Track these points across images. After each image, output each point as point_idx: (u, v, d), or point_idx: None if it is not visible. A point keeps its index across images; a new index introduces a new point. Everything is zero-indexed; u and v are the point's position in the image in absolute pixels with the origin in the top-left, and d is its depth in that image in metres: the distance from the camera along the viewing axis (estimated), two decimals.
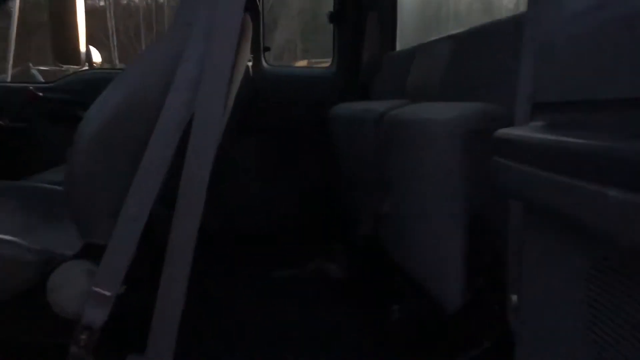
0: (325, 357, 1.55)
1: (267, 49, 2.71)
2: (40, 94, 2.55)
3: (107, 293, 1.10)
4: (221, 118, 1.12)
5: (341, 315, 1.79)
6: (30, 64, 6.00)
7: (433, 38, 1.99)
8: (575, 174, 0.63)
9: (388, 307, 1.46)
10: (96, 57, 2.79)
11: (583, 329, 0.68)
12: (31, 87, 2.58)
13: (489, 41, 1.50)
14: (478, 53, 1.54)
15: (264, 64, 2.72)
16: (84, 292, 1.10)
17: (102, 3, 12.74)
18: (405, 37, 2.70)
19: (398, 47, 2.67)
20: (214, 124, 1.09)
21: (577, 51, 0.73)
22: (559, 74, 0.80)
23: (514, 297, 1.06)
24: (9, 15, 5.80)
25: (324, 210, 2.48)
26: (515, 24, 1.34)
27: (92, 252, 1.12)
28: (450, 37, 1.75)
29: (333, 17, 2.69)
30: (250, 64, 2.42)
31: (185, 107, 1.08)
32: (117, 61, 11.59)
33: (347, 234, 2.10)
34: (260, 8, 2.59)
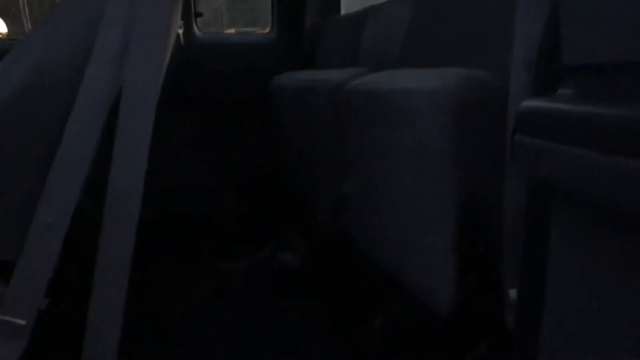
0: None
1: (199, 14, 2.45)
2: None
3: (21, 322, 0.88)
4: (156, 93, 0.90)
5: (305, 315, 1.61)
6: None
7: None
8: (626, 152, 0.48)
9: (365, 309, 1.29)
10: (2, 27, 2.45)
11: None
12: None
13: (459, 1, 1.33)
14: (446, 14, 1.38)
15: (196, 31, 2.46)
16: None
17: None
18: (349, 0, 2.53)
19: (343, 11, 2.48)
20: (147, 101, 0.88)
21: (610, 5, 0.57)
22: (590, 32, 0.64)
23: (512, 292, 0.93)
24: None
25: (273, 194, 2.28)
26: None
27: None
28: None
29: None
30: (181, 31, 2.16)
31: (110, 81, 0.86)
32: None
33: (302, 220, 1.91)
34: None
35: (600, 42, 0.62)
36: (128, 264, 0.92)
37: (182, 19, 2.23)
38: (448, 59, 1.27)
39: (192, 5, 2.42)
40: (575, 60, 0.66)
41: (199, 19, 2.48)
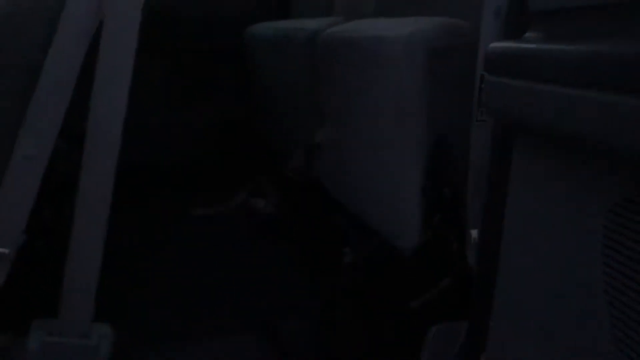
0: (267, 304, 1.43)
1: None
2: None
3: (4, 250, 0.90)
4: (136, 28, 0.91)
5: (279, 256, 1.66)
6: None
7: None
8: (599, 87, 0.52)
9: (335, 249, 1.34)
10: None
11: (592, 285, 0.59)
12: None
13: None
14: None
15: None
16: None
17: None
18: None
19: None
20: (130, 32, 0.88)
21: None
22: None
23: (474, 233, 0.99)
24: None
25: (246, 141, 2.29)
26: None
27: None
28: None
29: None
30: None
31: (90, 12, 0.86)
32: None
33: (275, 167, 1.94)
34: None
35: None
36: (108, 204, 0.94)
37: None
38: (423, 7, 1.29)
39: None
40: (541, 6, 0.70)
41: None
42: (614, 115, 0.47)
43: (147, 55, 2.19)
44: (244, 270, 1.60)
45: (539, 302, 0.70)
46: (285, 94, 1.77)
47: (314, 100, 1.50)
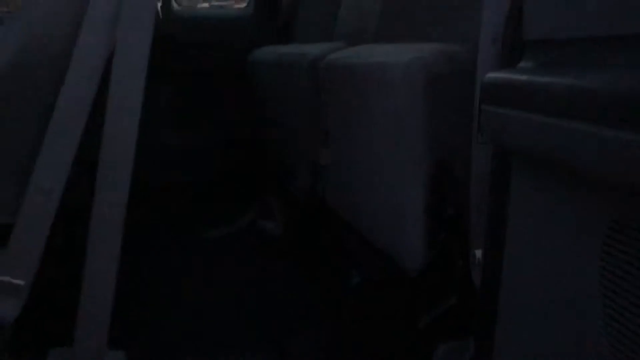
0: (276, 323, 1.45)
1: None
2: None
3: (20, 282, 0.92)
4: (146, 59, 0.94)
5: (288, 278, 1.68)
6: None
7: None
8: (585, 118, 0.55)
9: (342, 270, 1.36)
10: None
11: (590, 303, 0.61)
12: None
13: None
14: None
15: (174, 4, 2.47)
16: None
17: None
18: None
19: None
20: (139, 66, 0.92)
21: None
22: (548, 9, 0.70)
23: (478, 253, 1.00)
24: None
25: (253, 163, 2.32)
26: None
27: None
28: None
29: None
30: (159, 5, 2.17)
31: (101, 48, 0.90)
32: None
33: (283, 188, 1.97)
34: None
35: (558, 20, 0.69)
36: (121, 227, 0.96)
37: None
38: (422, 33, 1.33)
39: None
40: (536, 36, 0.73)
41: None
42: (602, 147, 0.50)
43: (155, 78, 2.25)
44: (254, 291, 1.62)
45: (541, 320, 0.72)
46: (289, 116, 1.80)
47: (318, 123, 1.53)
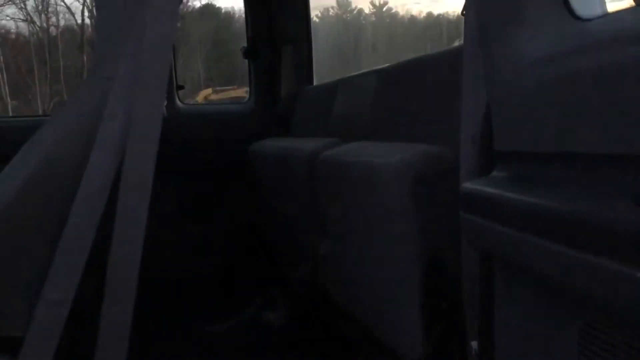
0: None
1: (180, 87, 2.60)
2: None
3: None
4: (152, 176, 1.02)
5: None
6: None
7: (355, 73, 1.97)
8: (550, 235, 0.60)
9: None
10: None
11: None
12: None
13: (419, 76, 1.49)
14: (407, 88, 1.53)
15: (178, 102, 2.60)
16: None
17: None
18: (320, 71, 2.69)
19: (315, 82, 2.64)
20: (144, 184, 0.99)
21: (541, 101, 0.70)
22: (520, 123, 0.77)
23: (474, 344, 1.03)
24: None
25: (254, 254, 2.37)
26: (448, 57, 1.33)
27: (7, 347, 0.97)
28: (376, 71, 1.73)
29: (248, 53, 2.63)
30: (164, 103, 2.29)
31: (111, 165, 0.97)
32: (8, 99, 10.86)
33: (284, 279, 2.00)
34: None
35: (524, 133, 0.75)
36: (129, 324, 1.00)
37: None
38: (409, 130, 1.41)
39: (174, 79, 2.56)
40: (505, 147, 0.80)
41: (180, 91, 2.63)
42: (563, 263, 0.55)
43: (159, 173, 2.34)
44: None
45: None
46: (289, 206, 1.87)
47: (317, 214, 1.59)
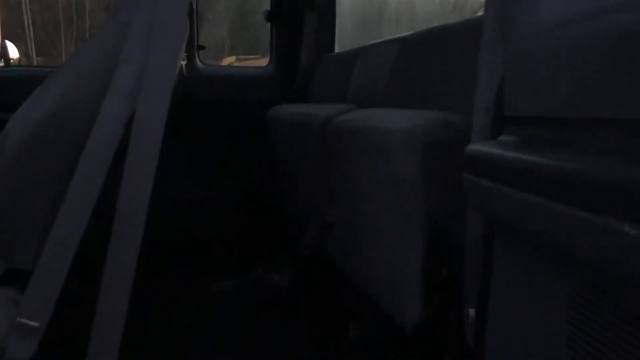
0: None
1: (201, 47, 2.60)
2: None
3: (35, 324, 0.98)
4: (163, 124, 1.03)
5: (289, 330, 1.71)
6: None
7: (375, 41, 1.96)
8: (554, 196, 0.60)
9: (342, 324, 1.40)
10: (13, 52, 2.57)
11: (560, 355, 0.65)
12: None
13: (438, 46, 1.47)
14: (426, 58, 1.52)
15: (199, 63, 2.60)
16: (7, 324, 0.98)
17: None
18: (344, 39, 2.67)
19: (337, 49, 2.63)
20: (156, 131, 1.00)
21: (555, 65, 0.70)
22: (533, 88, 0.77)
23: (471, 312, 1.04)
24: None
25: (264, 217, 2.39)
26: (468, 28, 1.32)
27: (16, 279, 1.00)
28: (396, 40, 1.72)
29: (270, 16, 2.61)
30: (184, 63, 2.30)
31: (123, 112, 0.98)
32: (34, 55, 10.96)
33: (291, 243, 2.03)
34: (194, 5, 2.47)
35: (535, 99, 0.75)
36: (132, 277, 1.02)
37: (185, 52, 2.36)
38: (425, 99, 1.40)
39: (195, 39, 2.56)
40: (514, 112, 0.79)
41: (201, 52, 2.63)
42: (564, 224, 0.56)
43: (177, 135, 2.36)
44: (254, 341, 1.66)
45: None
46: (300, 173, 1.88)
47: (326, 181, 1.60)
